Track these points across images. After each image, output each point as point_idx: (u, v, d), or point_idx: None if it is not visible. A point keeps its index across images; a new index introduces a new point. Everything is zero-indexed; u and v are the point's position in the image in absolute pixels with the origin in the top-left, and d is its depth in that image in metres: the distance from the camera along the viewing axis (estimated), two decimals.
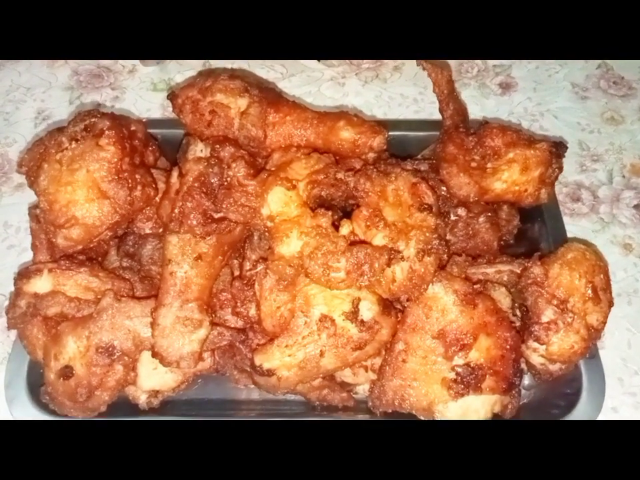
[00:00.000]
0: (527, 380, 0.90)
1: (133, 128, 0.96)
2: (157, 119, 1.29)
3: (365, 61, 1.45)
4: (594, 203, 1.21)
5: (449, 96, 1.02)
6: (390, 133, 0.98)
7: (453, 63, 1.41)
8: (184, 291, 0.84)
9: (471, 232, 0.94)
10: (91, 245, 0.91)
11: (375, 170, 0.88)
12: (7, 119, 1.34)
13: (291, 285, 0.81)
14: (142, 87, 1.40)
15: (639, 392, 0.99)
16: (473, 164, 0.95)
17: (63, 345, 0.84)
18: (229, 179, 0.87)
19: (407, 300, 0.82)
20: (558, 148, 0.95)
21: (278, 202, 0.84)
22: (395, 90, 1.40)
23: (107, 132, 0.88)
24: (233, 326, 0.89)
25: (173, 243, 0.86)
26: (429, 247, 0.79)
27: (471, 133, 0.99)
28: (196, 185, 0.86)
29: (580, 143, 1.30)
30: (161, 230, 0.93)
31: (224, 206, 0.85)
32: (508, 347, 0.81)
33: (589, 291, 0.82)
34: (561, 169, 0.96)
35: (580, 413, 0.85)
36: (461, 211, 0.94)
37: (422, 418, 0.83)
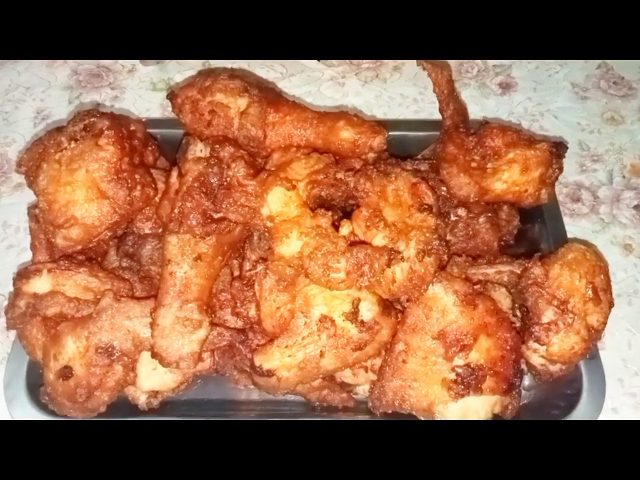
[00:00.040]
0: (527, 380, 0.90)
1: (132, 128, 0.95)
2: (156, 119, 1.29)
3: (364, 60, 1.45)
4: (594, 204, 1.21)
5: (449, 96, 1.02)
6: (390, 133, 0.98)
7: (452, 62, 1.41)
8: (183, 291, 0.84)
9: (471, 232, 0.94)
10: (90, 245, 0.91)
11: (375, 170, 0.88)
12: (6, 119, 1.33)
13: (290, 286, 0.81)
14: (141, 87, 1.40)
15: (639, 392, 0.99)
16: (473, 164, 0.95)
17: (62, 345, 0.84)
18: (228, 179, 0.87)
19: (407, 300, 0.82)
20: (558, 148, 0.95)
21: (278, 202, 0.84)
22: (395, 90, 1.40)
23: (106, 132, 0.88)
24: (232, 326, 0.89)
25: (172, 243, 0.85)
26: (429, 247, 0.79)
27: (471, 133, 0.98)
28: (195, 185, 0.86)
29: (580, 143, 1.30)
30: (160, 230, 0.93)
31: (223, 206, 0.85)
32: (508, 347, 0.81)
33: (590, 292, 0.82)
34: (561, 169, 0.96)
35: (580, 413, 0.85)
36: (461, 211, 0.94)
37: (422, 419, 0.83)
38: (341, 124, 0.97)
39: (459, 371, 0.79)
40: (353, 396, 0.90)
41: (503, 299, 0.85)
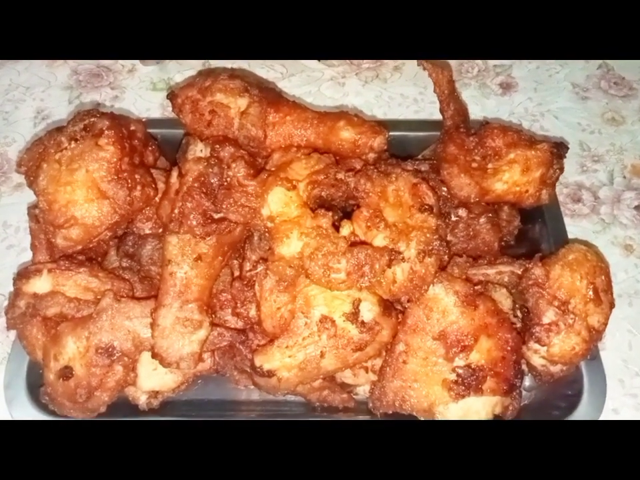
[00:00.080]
0: (527, 381, 0.90)
1: (132, 128, 0.95)
2: (156, 119, 1.29)
3: (365, 60, 1.44)
4: (595, 204, 1.21)
5: (449, 96, 1.02)
6: (390, 133, 0.98)
7: (453, 63, 1.41)
8: (184, 292, 0.84)
9: (471, 233, 0.94)
10: (91, 245, 0.91)
11: (375, 170, 0.88)
12: (6, 118, 1.33)
13: (291, 286, 0.81)
14: (141, 87, 1.40)
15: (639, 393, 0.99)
16: (474, 164, 0.95)
17: (62, 346, 0.84)
18: (228, 179, 0.87)
19: (408, 301, 0.82)
20: (559, 148, 0.95)
21: (278, 202, 0.84)
22: (395, 90, 1.40)
23: (106, 132, 0.88)
24: (233, 327, 0.89)
25: (172, 243, 0.85)
26: (430, 247, 0.79)
27: (471, 134, 0.98)
28: (196, 185, 0.85)
29: (581, 143, 1.29)
30: (160, 230, 0.93)
31: (224, 206, 0.85)
32: (509, 348, 0.81)
33: (590, 292, 0.81)
34: (562, 169, 0.96)
35: (581, 414, 0.85)
36: (462, 212, 0.94)
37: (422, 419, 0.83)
38: (342, 124, 0.97)
39: (460, 371, 0.79)
40: (354, 396, 0.90)
41: (504, 300, 0.85)
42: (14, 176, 1.23)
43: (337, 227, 0.84)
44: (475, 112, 1.33)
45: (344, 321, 0.79)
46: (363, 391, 0.90)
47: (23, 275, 0.88)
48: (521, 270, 0.85)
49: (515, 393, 0.82)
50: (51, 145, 0.90)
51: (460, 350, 0.79)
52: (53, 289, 0.87)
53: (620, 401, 0.98)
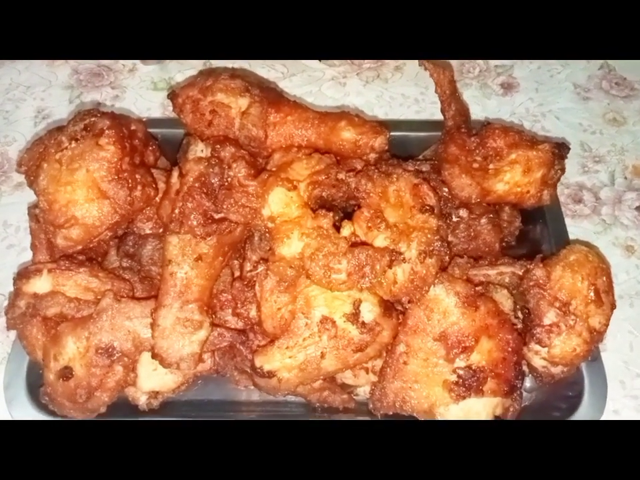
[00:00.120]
0: (528, 382, 0.90)
1: (133, 127, 0.95)
2: (157, 119, 1.29)
3: (366, 60, 1.44)
4: (596, 205, 1.21)
5: (450, 96, 1.02)
6: (391, 134, 0.98)
7: (454, 63, 1.41)
8: (184, 292, 0.83)
9: (472, 233, 0.94)
10: (91, 245, 0.91)
11: (376, 171, 0.88)
12: (7, 118, 1.33)
13: (291, 287, 0.81)
14: (142, 86, 1.40)
15: None
16: (475, 165, 0.95)
17: (62, 346, 0.84)
18: (229, 180, 0.87)
19: (408, 302, 0.81)
20: (560, 149, 0.94)
21: (279, 203, 0.84)
22: (396, 90, 1.39)
23: (106, 131, 0.88)
24: (233, 327, 0.89)
25: (173, 243, 0.85)
26: (431, 248, 0.79)
27: (472, 134, 0.98)
28: (196, 185, 0.85)
29: (582, 144, 1.29)
30: (161, 230, 0.93)
31: (224, 206, 0.85)
32: (510, 349, 0.81)
33: (592, 294, 0.81)
34: (563, 170, 0.95)
35: (582, 415, 0.85)
36: (463, 212, 0.94)
37: None
38: (342, 124, 0.97)
39: (460, 372, 0.79)
40: (354, 397, 0.90)
41: (505, 301, 0.85)
42: (14, 175, 1.23)
43: (337, 228, 0.84)
44: (476, 112, 1.33)
45: (344, 321, 0.79)
46: (363, 392, 0.90)
47: (23, 274, 0.88)
48: (522, 271, 0.85)
49: (515, 394, 0.82)
50: (51, 145, 0.90)
51: (461, 351, 0.79)
52: (53, 288, 0.87)
53: (621, 402, 0.98)
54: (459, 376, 0.79)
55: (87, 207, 0.86)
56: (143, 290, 0.90)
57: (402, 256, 0.79)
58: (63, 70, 1.42)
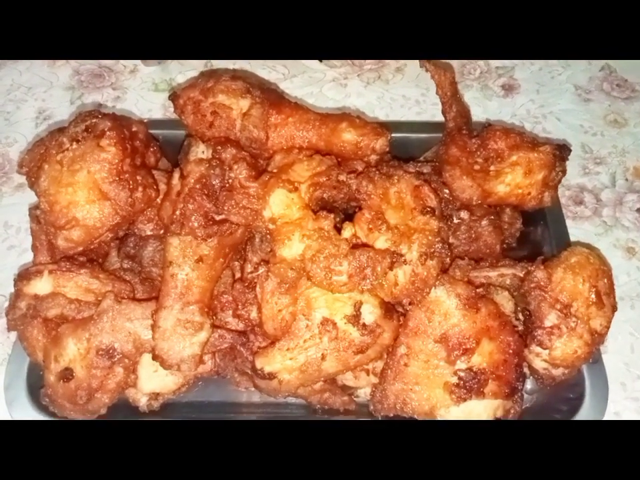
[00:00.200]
0: (529, 384, 0.89)
1: (134, 129, 0.95)
2: (158, 120, 1.29)
3: (367, 62, 1.44)
4: (597, 206, 1.21)
5: (451, 98, 1.02)
6: (392, 135, 0.98)
7: (455, 64, 1.41)
8: (185, 294, 0.83)
9: (473, 235, 0.93)
10: (92, 247, 0.91)
11: (377, 172, 0.88)
12: (8, 119, 1.33)
13: (292, 288, 0.81)
14: (143, 87, 1.40)
15: None
16: (476, 166, 0.95)
17: (63, 347, 0.84)
18: (230, 181, 0.87)
19: (409, 303, 0.82)
20: (561, 151, 0.94)
21: (280, 204, 0.84)
22: (397, 91, 1.39)
23: (108, 133, 0.88)
24: (234, 328, 0.89)
25: (174, 244, 0.85)
26: (432, 250, 0.79)
27: (474, 136, 0.98)
28: (197, 186, 0.85)
29: (583, 145, 1.29)
30: (162, 232, 0.93)
31: (225, 208, 0.85)
32: (510, 351, 0.80)
33: (593, 296, 0.81)
34: (564, 172, 0.95)
35: (583, 417, 0.85)
36: (464, 214, 0.94)
37: None
38: (343, 126, 0.96)
39: (461, 374, 0.79)
40: (354, 399, 0.90)
41: (506, 303, 0.85)
42: (15, 176, 1.23)
43: (338, 229, 0.84)
44: (477, 114, 1.33)
45: (345, 323, 0.79)
46: (364, 394, 0.89)
47: (24, 276, 0.88)
48: (523, 272, 0.85)
49: (516, 396, 0.82)
50: (52, 146, 0.90)
51: (461, 353, 0.79)
52: (54, 290, 0.86)
53: (622, 404, 0.98)
54: (459, 378, 0.79)
55: (87, 208, 0.86)
56: (143, 291, 0.90)
57: (403, 258, 0.79)
58: (64, 71, 1.42)
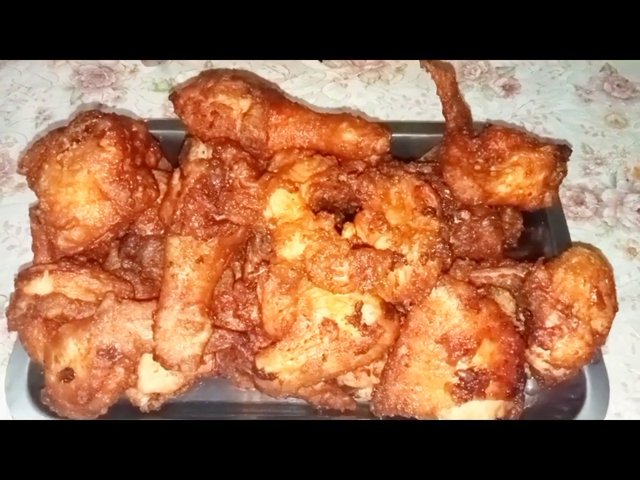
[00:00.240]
0: (530, 385, 0.89)
1: (134, 129, 0.95)
2: (158, 120, 1.29)
3: (367, 62, 1.44)
4: (597, 207, 1.21)
5: (452, 98, 1.02)
6: (393, 135, 0.98)
7: (455, 64, 1.41)
8: (185, 294, 0.83)
9: (474, 235, 0.93)
10: (92, 247, 0.91)
11: (377, 173, 0.88)
12: (8, 119, 1.33)
13: (293, 288, 0.81)
14: (143, 87, 1.40)
15: None
16: (477, 167, 0.94)
17: (63, 347, 0.83)
18: (230, 181, 0.87)
19: (410, 304, 0.81)
20: (562, 151, 0.94)
21: (280, 204, 0.84)
22: (398, 91, 1.39)
23: (108, 133, 0.88)
24: (234, 329, 0.88)
25: (174, 245, 0.85)
26: (433, 250, 0.79)
27: (474, 136, 0.98)
28: (198, 186, 0.85)
29: (583, 145, 1.29)
30: (162, 232, 0.93)
31: (226, 208, 0.85)
32: (512, 352, 0.80)
33: (594, 296, 0.81)
34: (565, 172, 0.95)
35: (584, 418, 0.84)
36: (465, 214, 0.94)
37: None
38: (344, 126, 0.96)
39: (462, 375, 0.79)
40: (355, 399, 0.89)
41: (507, 303, 0.85)
42: (15, 176, 1.23)
43: (339, 230, 0.83)
44: (478, 114, 1.33)
45: (346, 323, 0.79)
46: (364, 394, 0.89)
47: (24, 276, 0.88)
48: (524, 273, 0.85)
49: (517, 397, 0.82)
50: (52, 146, 0.90)
51: (462, 353, 0.79)
52: (54, 290, 0.86)
53: (623, 404, 0.97)
54: (460, 378, 0.79)
55: (88, 209, 0.86)
56: (144, 291, 0.90)
57: (404, 258, 0.79)
58: (64, 71, 1.42)
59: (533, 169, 0.93)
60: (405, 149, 1.07)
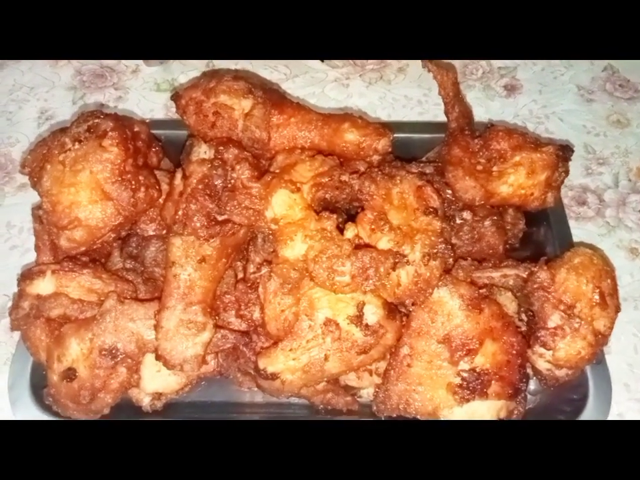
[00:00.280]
0: (532, 385, 0.89)
1: (136, 129, 0.95)
2: (160, 120, 1.29)
3: (369, 62, 1.44)
4: (600, 207, 1.20)
5: (454, 98, 1.02)
6: (394, 135, 0.98)
7: (457, 64, 1.41)
8: (187, 294, 0.83)
9: (476, 235, 0.93)
10: (94, 247, 0.91)
11: (379, 173, 0.88)
12: (10, 119, 1.33)
13: (295, 289, 0.81)
14: (145, 87, 1.40)
15: None
16: (479, 167, 0.94)
17: (66, 347, 0.84)
18: (232, 181, 0.87)
19: (412, 304, 0.81)
20: (564, 151, 0.94)
21: (282, 204, 0.84)
22: (400, 91, 1.39)
23: (110, 133, 0.88)
24: (236, 329, 0.88)
25: (176, 245, 0.85)
26: (435, 250, 0.79)
27: (476, 136, 0.98)
28: (200, 186, 0.85)
29: (585, 146, 1.29)
30: (164, 232, 0.93)
31: (228, 208, 0.85)
32: (514, 352, 0.80)
33: (596, 297, 0.81)
34: (567, 172, 0.95)
35: (586, 418, 0.84)
36: (467, 215, 0.94)
37: None
38: (346, 126, 0.96)
39: (465, 375, 0.79)
40: (357, 399, 0.89)
41: (509, 303, 0.85)
42: (18, 176, 1.23)
43: (341, 230, 0.83)
44: (480, 114, 1.33)
45: (348, 323, 0.79)
46: (366, 394, 0.89)
47: (27, 276, 0.88)
48: (526, 273, 0.85)
49: (520, 397, 0.82)
50: (54, 146, 0.90)
51: (465, 353, 0.79)
52: (57, 290, 0.87)
53: (625, 405, 0.97)
54: (463, 379, 0.79)
55: (90, 209, 0.86)
56: (146, 291, 0.90)
57: (406, 258, 0.78)
58: (66, 71, 1.42)
59: (535, 169, 0.92)
60: (407, 149, 1.07)
